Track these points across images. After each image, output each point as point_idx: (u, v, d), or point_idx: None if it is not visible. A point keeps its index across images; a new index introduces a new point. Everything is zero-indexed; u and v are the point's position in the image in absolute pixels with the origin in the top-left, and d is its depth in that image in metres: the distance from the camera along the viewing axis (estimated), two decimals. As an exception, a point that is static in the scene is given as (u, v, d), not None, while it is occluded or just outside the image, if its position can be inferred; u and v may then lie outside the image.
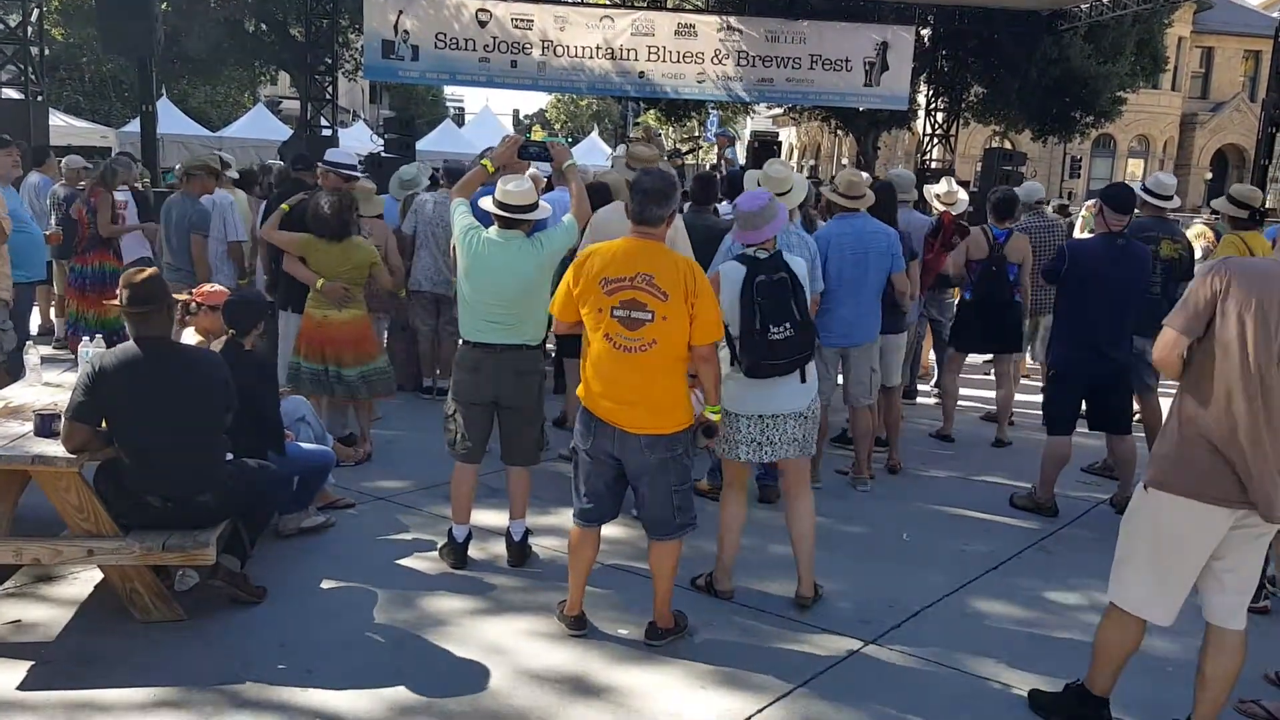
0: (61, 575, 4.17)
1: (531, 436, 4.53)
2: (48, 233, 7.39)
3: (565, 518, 4.45)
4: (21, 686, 3.36)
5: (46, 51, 16.35)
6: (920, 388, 8.31)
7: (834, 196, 5.65)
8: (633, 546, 4.66)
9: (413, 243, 7.23)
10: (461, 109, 54.90)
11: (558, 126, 54.02)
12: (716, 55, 16.57)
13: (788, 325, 3.88)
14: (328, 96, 17.21)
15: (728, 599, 4.24)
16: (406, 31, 15.56)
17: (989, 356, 8.34)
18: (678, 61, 16.54)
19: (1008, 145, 27.03)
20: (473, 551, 4.54)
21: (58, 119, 17.95)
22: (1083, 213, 11.97)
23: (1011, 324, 6.81)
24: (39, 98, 13.75)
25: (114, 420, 3.73)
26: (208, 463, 3.88)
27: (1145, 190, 6.20)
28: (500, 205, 4.30)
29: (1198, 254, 7.00)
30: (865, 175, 6.02)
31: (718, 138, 17.79)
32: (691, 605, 4.10)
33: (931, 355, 8.28)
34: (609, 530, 4.02)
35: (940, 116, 19.49)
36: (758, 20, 16.82)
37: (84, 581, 4.12)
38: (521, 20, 15.95)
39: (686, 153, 17.78)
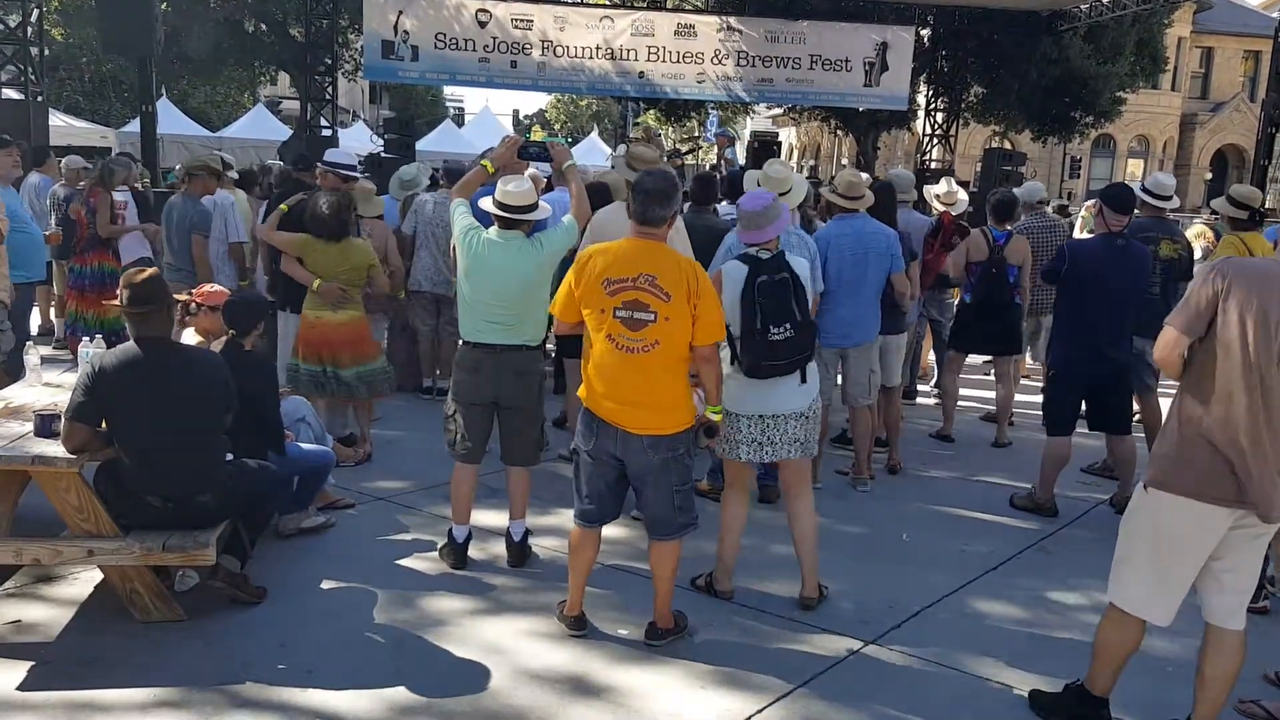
0: (61, 575, 4.17)
1: (531, 437, 4.53)
2: (47, 233, 7.39)
3: (565, 518, 4.46)
4: (22, 687, 3.36)
5: (46, 51, 16.34)
6: (920, 388, 8.32)
7: (833, 197, 5.65)
8: (633, 547, 4.67)
9: (413, 243, 7.23)
10: (461, 109, 54.87)
11: (557, 127, 54.02)
12: (716, 55, 16.57)
13: (788, 326, 3.88)
14: (327, 97, 17.20)
15: (728, 599, 4.25)
16: (406, 32, 15.55)
17: (989, 357, 8.34)
18: (677, 62, 16.54)
19: (1007, 145, 27.02)
20: (473, 552, 4.54)
21: (57, 119, 17.95)
22: (1082, 213, 11.98)
23: (1011, 325, 6.81)
24: (39, 98, 13.74)
25: (114, 420, 3.73)
26: (208, 463, 3.88)
27: (1144, 190, 6.20)
28: (500, 205, 4.30)
29: (1197, 254, 7.00)
30: (865, 176, 6.02)
31: (717, 138, 17.79)
32: (691, 605, 4.10)
33: (931, 356, 8.28)
34: (609, 530, 4.02)
35: (940, 117, 19.49)
36: (757, 20, 16.83)
37: (84, 582, 4.12)
38: (521, 20, 15.95)
39: (686, 153, 17.78)
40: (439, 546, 4.59)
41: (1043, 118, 21.54)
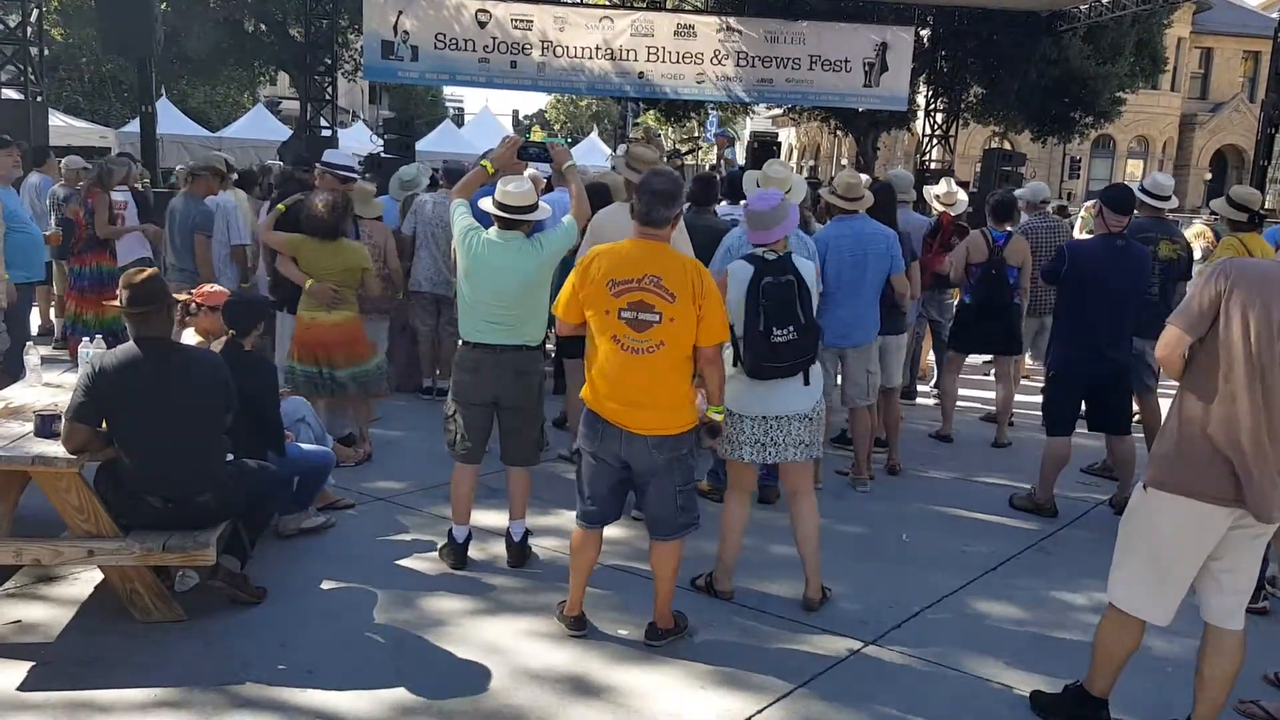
0: (62, 576, 4.17)
1: (531, 437, 4.53)
2: (47, 233, 7.39)
3: (565, 518, 4.47)
4: (22, 687, 3.36)
5: (46, 51, 16.33)
6: (920, 388, 8.32)
7: (832, 198, 5.65)
8: (633, 547, 4.67)
9: (412, 244, 7.23)
10: (461, 110, 54.84)
11: (557, 127, 54.00)
12: (716, 56, 16.56)
13: (791, 329, 3.89)
14: (327, 97, 17.20)
15: (728, 599, 4.25)
16: (406, 32, 15.54)
17: (989, 357, 8.34)
18: (677, 62, 16.53)
19: (1007, 146, 27.02)
20: (473, 552, 4.54)
21: (57, 119, 17.94)
22: (1081, 213, 11.98)
23: (1011, 326, 6.81)
24: (39, 98, 13.73)
25: (114, 421, 3.73)
26: (208, 463, 3.88)
27: (1143, 191, 6.20)
28: (500, 206, 4.30)
29: (1197, 254, 7.00)
30: (864, 176, 6.03)
31: (717, 138, 17.81)
32: (691, 605, 4.10)
33: (931, 356, 8.28)
34: (609, 530, 4.02)
35: (939, 117, 19.49)
36: (757, 21, 16.82)
37: (84, 582, 4.12)
38: (521, 21, 15.95)
39: (686, 153, 17.80)
40: (439, 547, 4.59)
41: (1042, 118, 21.55)
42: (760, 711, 3.43)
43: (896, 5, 17.14)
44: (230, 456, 4.07)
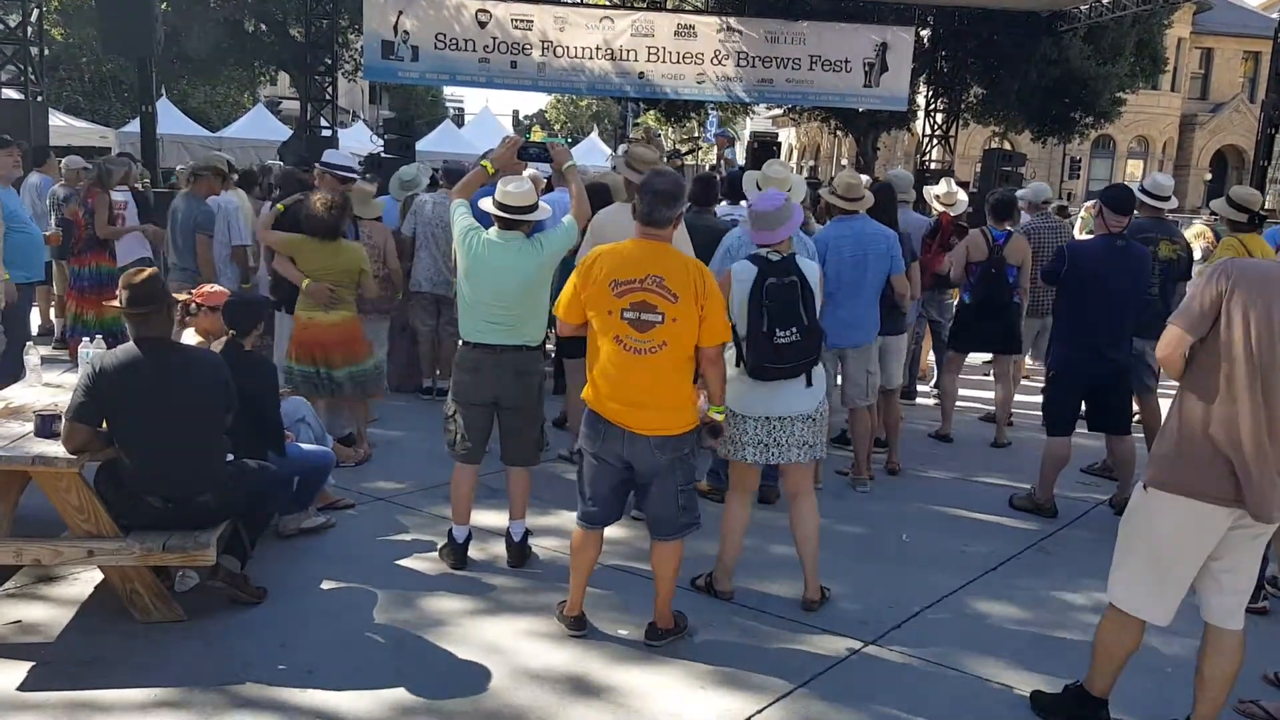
0: (62, 576, 4.17)
1: (531, 437, 4.53)
2: (47, 233, 7.39)
3: (565, 518, 4.47)
4: (22, 687, 3.36)
5: (46, 51, 16.34)
6: (919, 388, 8.32)
7: (832, 199, 5.65)
8: (633, 547, 4.67)
9: (412, 244, 7.23)
10: (461, 110, 54.84)
11: (557, 127, 54.00)
12: (716, 56, 16.57)
13: (794, 330, 3.89)
14: (327, 97, 17.20)
15: (728, 599, 4.25)
16: (406, 32, 15.55)
17: (989, 357, 8.34)
18: (677, 62, 16.53)
19: (1007, 146, 27.02)
20: (473, 552, 4.54)
21: (57, 119, 17.94)
22: (1081, 214, 11.98)
23: (1010, 325, 6.81)
24: (39, 98, 13.73)
25: (114, 421, 3.73)
26: (208, 463, 3.88)
27: (1143, 191, 6.21)
28: (500, 206, 4.30)
29: (1197, 255, 7.00)
30: (864, 177, 6.03)
31: (717, 138, 17.82)
32: (691, 605, 4.10)
33: (931, 356, 8.28)
34: (609, 530, 4.02)
35: (940, 117, 19.49)
36: (757, 21, 16.83)
37: (84, 582, 4.12)
38: (521, 21, 15.95)
39: (686, 153, 17.81)
40: (439, 547, 4.59)
41: (1042, 118, 21.55)
42: (760, 711, 3.43)
43: (896, 5, 17.15)
44: (230, 456, 4.07)
